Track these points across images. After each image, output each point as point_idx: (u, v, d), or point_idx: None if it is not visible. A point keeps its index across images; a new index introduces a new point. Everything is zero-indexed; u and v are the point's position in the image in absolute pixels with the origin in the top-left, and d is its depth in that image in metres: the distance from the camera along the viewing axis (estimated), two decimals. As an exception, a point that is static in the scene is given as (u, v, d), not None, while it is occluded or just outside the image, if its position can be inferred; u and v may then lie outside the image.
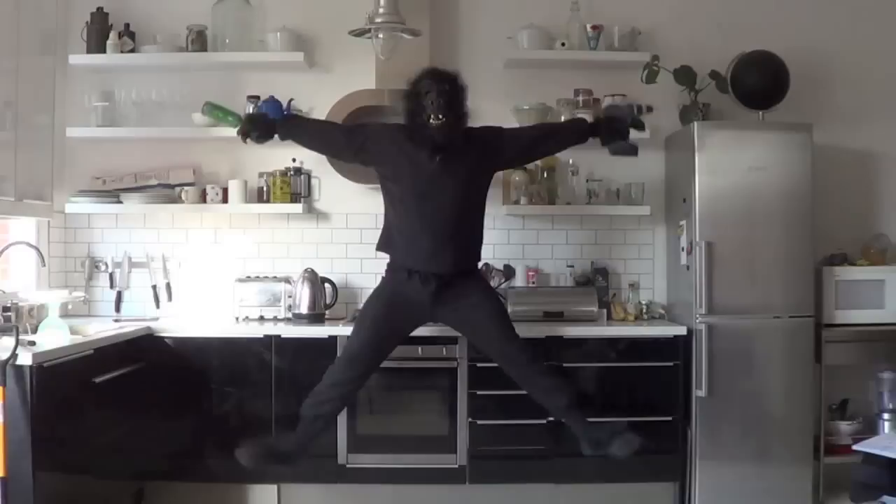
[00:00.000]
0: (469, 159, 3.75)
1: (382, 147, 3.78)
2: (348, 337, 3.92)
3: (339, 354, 3.99)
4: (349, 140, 3.88)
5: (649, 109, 4.70)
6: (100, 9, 4.65)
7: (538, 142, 3.95)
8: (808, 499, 4.34)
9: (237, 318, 4.57)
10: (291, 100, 4.69)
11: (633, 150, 4.03)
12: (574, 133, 4.02)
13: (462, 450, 4.27)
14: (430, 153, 3.67)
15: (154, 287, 4.77)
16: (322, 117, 4.65)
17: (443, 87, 3.61)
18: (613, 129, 3.92)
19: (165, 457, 4.24)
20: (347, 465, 4.28)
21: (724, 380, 4.29)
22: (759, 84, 4.57)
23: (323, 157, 4.62)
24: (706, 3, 4.87)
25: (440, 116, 3.59)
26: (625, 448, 3.65)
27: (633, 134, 4.09)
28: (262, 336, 4.33)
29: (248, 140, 4.02)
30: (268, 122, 4.03)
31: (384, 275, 3.96)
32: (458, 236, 3.74)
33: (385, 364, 4.01)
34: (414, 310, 3.80)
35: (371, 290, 4.07)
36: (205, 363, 4.31)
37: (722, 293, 4.31)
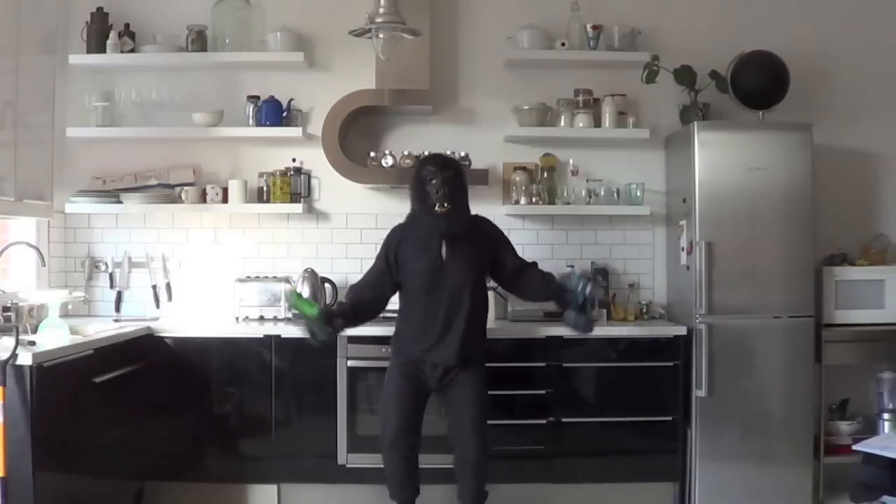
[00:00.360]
0: (474, 247, 3.80)
1: (401, 251, 3.80)
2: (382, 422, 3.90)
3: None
4: (388, 273, 3.81)
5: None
6: (100, 9, 4.65)
7: (515, 276, 3.88)
8: (808, 499, 4.34)
9: (237, 318, 4.57)
10: (291, 100, 4.70)
11: (584, 328, 3.81)
12: (544, 291, 3.92)
13: (462, 450, 4.27)
14: (437, 240, 3.74)
15: (154, 287, 4.77)
16: (322, 117, 4.66)
17: (447, 175, 3.70)
18: (566, 301, 3.80)
19: (165, 457, 4.25)
20: (347, 465, 4.29)
21: (724, 380, 4.29)
22: (759, 84, 4.57)
23: (323, 157, 4.62)
24: (706, 3, 4.87)
25: (445, 204, 3.68)
26: None
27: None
28: (262, 336, 4.33)
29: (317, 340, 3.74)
30: (327, 320, 3.70)
31: (389, 365, 3.90)
32: (463, 324, 3.73)
33: (384, 363, 4.02)
34: (422, 383, 3.81)
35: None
36: (205, 363, 4.31)
37: (722, 293, 4.31)
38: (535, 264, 3.94)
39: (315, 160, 4.72)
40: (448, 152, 4.30)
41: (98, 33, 4.62)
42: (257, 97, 4.68)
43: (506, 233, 4.01)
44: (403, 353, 3.83)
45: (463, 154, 4.45)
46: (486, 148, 4.73)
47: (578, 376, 4.37)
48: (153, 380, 4.18)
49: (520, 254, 4.66)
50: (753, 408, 4.31)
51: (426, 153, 4.24)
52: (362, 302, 3.82)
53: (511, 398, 4.30)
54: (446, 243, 3.74)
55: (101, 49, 4.61)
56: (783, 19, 4.85)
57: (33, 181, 4.07)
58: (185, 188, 4.67)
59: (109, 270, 4.80)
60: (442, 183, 3.67)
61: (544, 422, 4.29)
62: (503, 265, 3.86)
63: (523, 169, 4.78)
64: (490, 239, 3.88)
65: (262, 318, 4.55)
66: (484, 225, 3.92)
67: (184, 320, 4.56)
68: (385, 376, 3.90)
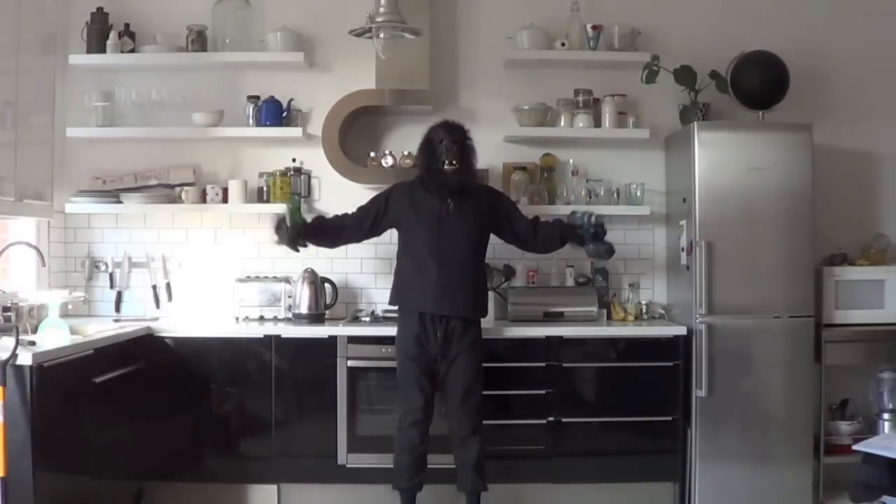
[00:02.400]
0: (479, 206, 4.05)
1: (401, 202, 4.06)
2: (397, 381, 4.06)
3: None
4: (362, 217, 4.14)
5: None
6: (100, 9, 4.65)
7: (526, 232, 4.19)
8: (808, 499, 4.34)
9: (237, 318, 4.57)
10: (291, 100, 4.70)
11: (607, 252, 4.22)
12: (555, 239, 4.23)
13: (462, 450, 4.27)
14: (443, 197, 3.97)
15: (154, 287, 4.77)
16: (322, 117, 4.66)
17: (455, 137, 3.95)
18: (581, 238, 4.15)
19: (165, 457, 4.25)
20: (347, 465, 4.29)
21: (724, 380, 4.29)
22: (759, 84, 4.57)
23: (323, 157, 4.62)
24: (706, 3, 4.87)
25: (454, 162, 3.92)
26: None
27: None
28: (262, 336, 4.33)
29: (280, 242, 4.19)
30: (292, 230, 4.12)
31: (398, 326, 4.08)
32: (466, 279, 3.99)
33: (384, 363, 4.02)
34: (431, 356, 4.00)
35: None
36: (205, 363, 4.31)
37: (722, 293, 4.31)
38: (537, 218, 4.23)
39: (315, 160, 4.72)
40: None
41: (98, 33, 4.62)
42: (257, 97, 4.68)
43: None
44: (409, 304, 4.00)
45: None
46: (486, 148, 4.71)
47: (578, 376, 4.37)
48: (153, 380, 4.18)
49: (520, 253, 4.71)
50: (753, 408, 4.31)
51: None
52: (339, 220, 4.23)
53: (511, 398, 4.30)
54: (453, 199, 3.97)
55: (101, 49, 4.61)
56: (783, 19, 4.85)
57: (33, 181, 4.07)
58: (185, 188, 4.67)
59: (109, 270, 4.80)
60: (451, 143, 3.92)
61: (544, 422, 4.29)
62: (512, 224, 4.14)
63: (523, 169, 4.78)
64: (497, 202, 4.16)
65: (262, 318, 4.55)
66: (493, 192, 4.26)
67: (184, 320, 4.56)
68: (395, 345, 4.06)
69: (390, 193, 4.14)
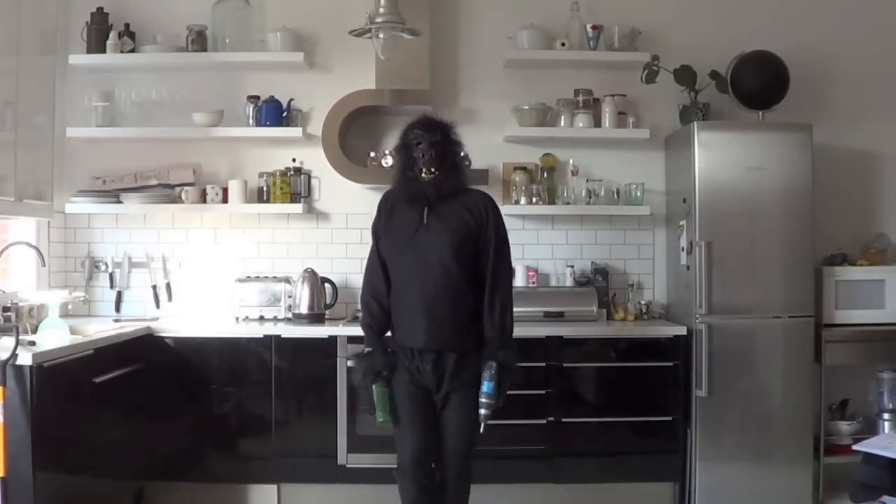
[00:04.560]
0: (460, 217, 3.36)
1: (380, 220, 3.46)
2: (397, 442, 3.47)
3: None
4: (376, 271, 3.46)
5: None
6: (100, 9, 4.65)
7: (485, 269, 3.39)
8: (808, 499, 4.34)
9: (237, 318, 4.57)
10: (291, 100, 4.70)
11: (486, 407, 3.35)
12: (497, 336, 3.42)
13: (462, 450, 4.27)
14: (419, 209, 3.36)
15: (154, 287, 4.78)
16: (322, 117, 4.67)
17: (434, 138, 3.33)
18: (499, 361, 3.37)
19: (165, 457, 4.24)
20: (347, 465, 4.29)
21: (724, 380, 4.29)
22: (759, 84, 4.57)
23: (323, 157, 4.62)
24: (706, 3, 4.87)
25: (432, 170, 3.32)
26: None
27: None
28: (262, 336, 4.33)
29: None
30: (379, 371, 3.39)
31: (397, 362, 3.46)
32: (457, 303, 3.33)
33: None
34: (428, 391, 3.41)
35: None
36: (205, 363, 4.31)
37: (722, 293, 4.31)
38: (496, 288, 3.40)
39: (315, 160, 4.72)
40: None
41: (98, 33, 4.62)
42: (257, 97, 4.68)
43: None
44: (398, 336, 3.42)
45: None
46: (486, 148, 4.73)
47: (578, 376, 4.37)
48: (153, 380, 4.18)
49: (519, 253, 4.61)
50: (753, 408, 4.31)
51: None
52: (383, 298, 3.43)
53: (510, 398, 4.28)
54: (429, 209, 3.35)
55: (101, 49, 4.61)
56: (783, 19, 4.85)
57: (33, 181, 4.07)
58: (185, 188, 4.67)
59: (109, 270, 4.80)
60: (429, 146, 3.31)
61: (544, 422, 4.29)
62: (483, 238, 3.37)
63: (523, 169, 4.78)
64: (481, 216, 3.38)
65: (262, 318, 4.55)
66: (482, 198, 3.44)
67: (184, 320, 4.56)
68: (394, 379, 3.46)
69: (377, 215, 3.50)
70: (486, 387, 3.32)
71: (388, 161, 4.56)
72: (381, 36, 4.02)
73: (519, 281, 4.76)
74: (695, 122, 4.41)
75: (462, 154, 3.50)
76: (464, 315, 3.36)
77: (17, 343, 3.19)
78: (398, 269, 3.39)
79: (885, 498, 3.43)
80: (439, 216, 3.35)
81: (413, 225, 3.36)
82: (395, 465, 3.70)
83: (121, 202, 4.65)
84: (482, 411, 3.31)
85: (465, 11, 4.88)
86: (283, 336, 4.33)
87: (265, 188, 4.72)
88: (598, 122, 4.72)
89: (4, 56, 3.80)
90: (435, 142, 3.32)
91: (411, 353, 3.36)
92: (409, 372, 3.37)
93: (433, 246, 3.32)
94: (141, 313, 4.72)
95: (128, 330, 4.15)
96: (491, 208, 3.43)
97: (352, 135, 4.78)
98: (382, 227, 3.45)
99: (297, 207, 4.70)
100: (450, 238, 3.32)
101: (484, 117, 4.84)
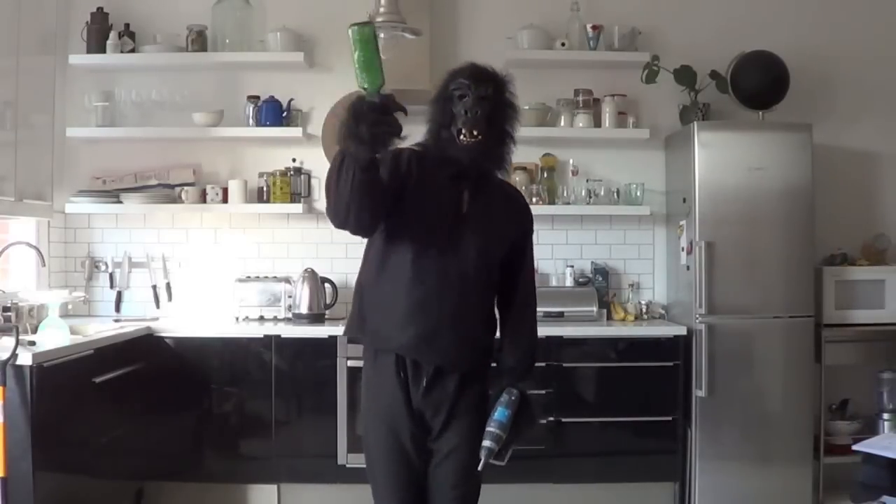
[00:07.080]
0: (503, 217, 2.67)
1: (412, 173, 2.61)
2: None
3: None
4: (394, 168, 2.59)
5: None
6: (100, 9, 4.65)
7: (517, 285, 2.73)
8: (808, 499, 4.34)
9: (237, 318, 4.57)
10: (291, 100, 4.70)
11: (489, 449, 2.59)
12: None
13: (462, 450, 4.26)
14: (453, 182, 2.59)
15: (154, 287, 4.77)
16: (322, 117, 4.66)
17: (483, 93, 2.55)
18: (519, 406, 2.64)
19: (165, 457, 4.24)
20: (347, 465, 4.28)
21: (724, 380, 4.29)
22: (759, 84, 4.57)
23: (323, 157, 4.62)
24: (706, 3, 4.87)
25: (474, 132, 2.53)
26: None
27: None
28: (262, 336, 4.33)
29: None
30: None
31: (363, 371, 2.71)
32: (469, 313, 2.61)
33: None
34: (414, 445, 2.62)
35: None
36: (205, 363, 4.31)
37: (722, 293, 4.31)
38: (526, 315, 2.76)
39: (315, 160, 4.72)
40: None
41: (98, 33, 4.62)
42: (257, 97, 4.68)
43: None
44: (380, 340, 2.61)
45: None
46: (486, 148, 4.72)
47: (578, 376, 4.37)
48: (153, 380, 4.18)
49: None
50: (753, 408, 4.31)
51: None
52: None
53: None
54: (469, 194, 2.60)
55: (101, 49, 4.60)
56: (783, 19, 4.85)
57: (33, 181, 4.07)
58: (185, 188, 4.67)
59: (109, 270, 4.80)
60: (475, 101, 2.53)
61: (544, 422, 4.28)
62: (516, 271, 2.72)
63: (523, 169, 4.78)
64: (523, 224, 2.75)
65: (262, 318, 4.55)
66: (525, 204, 2.80)
67: (184, 320, 4.56)
68: (362, 418, 2.82)
69: (407, 160, 2.62)
70: (499, 413, 2.59)
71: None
72: (381, 35, 4.03)
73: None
74: (695, 122, 4.42)
75: (516, 121, 2.65)
76: (482, 323, 2.69)
77: (17, 343, 3.19)
78: (417, 249, 2.56)
79: (885, 498, 3.43)
80: (481, 207, 2.60)
81: (449, 208, 2.58)
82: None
83: (121, 202, 4.65)
84: (486, 443, 2.56)
85: (465, 11, 4.88)
86: (283, 336, 4.33)
87: (265, 188, 4.72)
88: (598, 122, 4.72)
89: (4, 56, 3.80)
90: (484, 97, 2.54)
91: (397, 363, 2.58)
92: (391, 393, 2.57)
93: (471, 246, 2.58)
94: (141, 313, 4.72)
95: (128, 330, 4.15)
96: (531, 220, 2.78)
97: (352, 135, 4.78)
98: (412, 183, 2.58)
99: (297, 207, 4.70)
100: (487, 240, 2.60)
101: (484, 117, 4.82)
